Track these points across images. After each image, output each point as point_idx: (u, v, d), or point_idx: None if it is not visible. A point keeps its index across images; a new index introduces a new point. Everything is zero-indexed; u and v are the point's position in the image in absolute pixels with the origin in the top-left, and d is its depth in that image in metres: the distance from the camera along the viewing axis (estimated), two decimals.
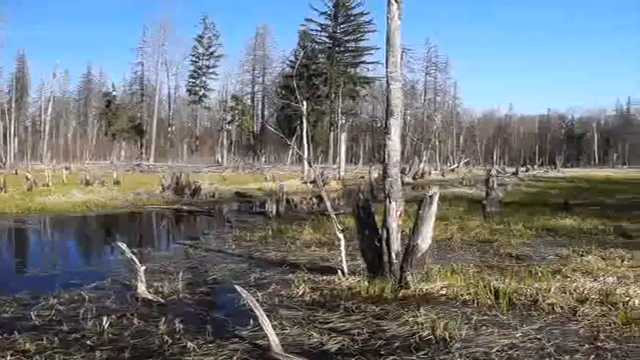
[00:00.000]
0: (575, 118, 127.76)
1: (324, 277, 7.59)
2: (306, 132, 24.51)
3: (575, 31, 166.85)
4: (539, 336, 5.26)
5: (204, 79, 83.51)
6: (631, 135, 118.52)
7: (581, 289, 6.72)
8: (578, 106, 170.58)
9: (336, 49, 78.46)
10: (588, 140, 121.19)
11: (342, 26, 78.53)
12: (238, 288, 5.28)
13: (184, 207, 18.15)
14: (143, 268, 6.88)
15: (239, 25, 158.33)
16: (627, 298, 6.27)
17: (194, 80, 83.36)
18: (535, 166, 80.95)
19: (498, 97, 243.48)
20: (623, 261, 8.79)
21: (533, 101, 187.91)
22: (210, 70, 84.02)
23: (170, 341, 5.07)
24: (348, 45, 79.95)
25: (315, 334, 5.29)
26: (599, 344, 5.07)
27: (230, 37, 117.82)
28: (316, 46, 77.59)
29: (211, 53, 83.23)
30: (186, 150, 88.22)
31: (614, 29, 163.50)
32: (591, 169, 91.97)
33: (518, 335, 5.28)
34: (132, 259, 6.96)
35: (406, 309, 6.12)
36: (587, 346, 5.02)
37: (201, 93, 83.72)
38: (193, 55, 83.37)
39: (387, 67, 7.18)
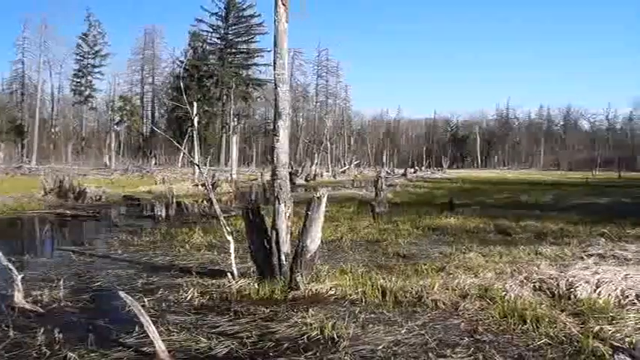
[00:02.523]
0: (460, 121, 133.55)
1: (214, 281, 7.51)
2: (197, 134, 24.09)
3: (458, 36, 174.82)
4: (422, 331, 5.45)
5: (89, 78, 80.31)
6: (510, 137, 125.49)
7: (463, 285, 7.02)
8: (462, 109, 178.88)
9: (228, 50, 77.80)
10: (472, 143, 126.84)
11: (233, 27, 77.96)
12: (122, 294, 5.13)
13: (68, 211, 17.36)
14: (20, 276, 6.51)
15: (127, 24, 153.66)
16: (504, 293, 6.62)
17: (79, 80, 80.00)
18: (423, 168, 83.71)
19: (387, 100, 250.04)
20: (501, 257, 9.22)
21: (421, 105, 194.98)
22: (96, 70, 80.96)
23: (49, 353, 4.83)
24: (239, 46, 79.47)
25: (203, 338, 5.21)
26: (478, 337, 5.32)
27: (118, 35, 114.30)
28: (207, 47, 76.64)
29: (97, 52, 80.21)
30: (71, 152, 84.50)
31: (495, 36, 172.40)
32: (475, 170, 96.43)
33: (403, 332, 5.44)
34: (8, 267, 6.58)
35: (296, 310, 6.16)
36: (466, 339, 5.25)
37: (86, 93, 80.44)
38: (78, 54, 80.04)
39: (274, 70, 7.21)
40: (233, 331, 5.52)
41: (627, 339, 5.04)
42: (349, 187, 33.02)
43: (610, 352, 4.69)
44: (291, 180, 34.35)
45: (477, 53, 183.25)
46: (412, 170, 68.62)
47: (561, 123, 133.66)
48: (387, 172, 56.10)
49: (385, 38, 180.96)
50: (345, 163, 70.90)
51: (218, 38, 78.26)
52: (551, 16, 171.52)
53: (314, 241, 7.08)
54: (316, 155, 61.64)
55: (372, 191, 21.25)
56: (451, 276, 7.61)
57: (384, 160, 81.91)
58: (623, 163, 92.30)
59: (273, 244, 7.15)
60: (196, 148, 17.29)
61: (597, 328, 5.37)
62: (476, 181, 47.69)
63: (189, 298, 6.74)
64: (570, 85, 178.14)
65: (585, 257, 8.98)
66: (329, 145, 72.99)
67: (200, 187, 29.01)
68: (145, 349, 4.92)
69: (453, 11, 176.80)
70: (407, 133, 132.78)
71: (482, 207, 19.69)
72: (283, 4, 7.09)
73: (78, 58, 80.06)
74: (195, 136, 19.00)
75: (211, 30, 77.52)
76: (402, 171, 62.11)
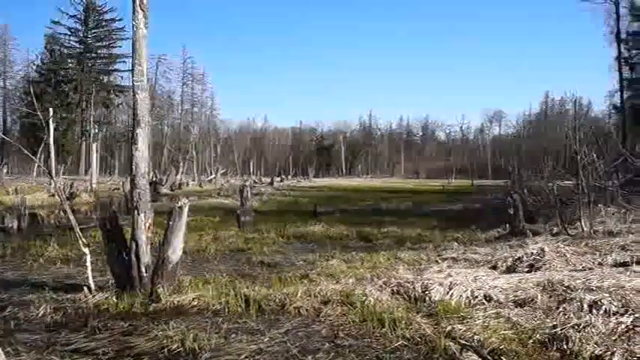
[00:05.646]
0: (325, 131, 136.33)
1: (69, 296, 7.12)
2: (53, 142, 22.89)
3: (322, 44, 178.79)
4: (285, 339, 5.47)
5: None
6: (372, 147, 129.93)
7: (325, 291, 7.11)
8: (327, 119, 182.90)
9: (87, 54, 74.57)
10: (336, 152, 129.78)
11: (93, 31, 74.79)
12: None
13: None
14: None
15: None
16: (364, 298, 6.78)
17: None
18: (289, 176, 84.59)
19: (254, 109, 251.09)
20: (362, 263, 9.49)
21: (287, 114, 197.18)
22: None
23: None
24: (100, 51, 76.41)
25: (55, 357, 4.93)
26: (338, 342, 5.42)
27: None
28: (65, 51, 73.02)
29: None
30: None
31: (356, 48, 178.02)
32: (339, 178, 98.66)
33: (266, 340, 5.43)
34: None
35: (156, 323, 5.98)
36: (328, 344, 5.34)
37: None
38: None
39: (133, 76, 7.01)
40: (89, 347, 5.27)
41: (476, 337, 5.34)
42: (216, 196, 32.74)
43: (459, 350, 4.97)
44: (155, 189, 33.34)
45: (339, 61, 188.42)
46: (279, 179, 69.06)
47: (420, 133, 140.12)
48: (254, 180, 56.19)
49: (250, 46, 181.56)
50: (211, 172, 70.15)
51: (77, 42, 74.82)
52: (405, 29, 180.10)
53: (175, 251, 6.95)
54: (182, 164, 60.53)
55: (238, 200, 21.18)
56: (314, 283, 7.70)
57: (251, 168, 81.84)
58: (476, 172, 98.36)
59: (133, 256, 6.93)
60: (52, 156, 16.45)
61: (449, 327, 5.64)
62: (340, 189, 48.93)
63: (41, 314, 6.35)
64: (427, 96, 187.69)
65: (440, 261, 9.47)
66: (195, 153, 71.94)
67: (57, 197, 27.58)
68: None
69: (315, 21, 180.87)
70: (274, 142, 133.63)
71: (345, 214, 20.23)
72: (142, 10, 6.90)
73: None
74: (51, 144, 18.05)
75: (70, 33, 73.99)
76: (269, 180, 62.34)
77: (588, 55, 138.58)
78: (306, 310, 6.49)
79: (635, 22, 34.81)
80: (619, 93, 35.14)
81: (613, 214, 14.33)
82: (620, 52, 34.10)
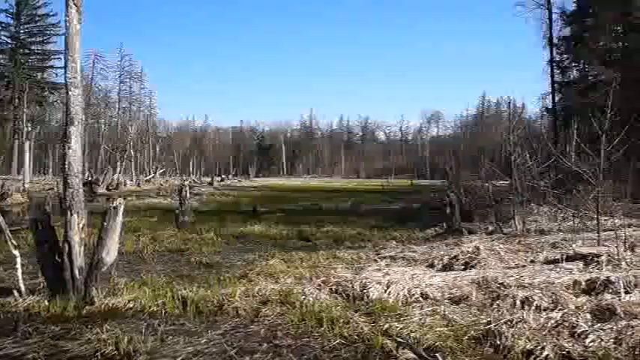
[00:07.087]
0: (265, 130, 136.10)
1: None
2: None
3: (262, 45, 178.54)
4: (223, 340, 5.42)
5: None
6: (313, 147, 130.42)
7: (264, 291, 7.09)
8: (268, 119, 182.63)
9: (20, 50, 72.14)
10: (277, 151, 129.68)
11: (26, 26, 72.43)
12: None
13: None
14: None
15: None
16: (303, 297, 6.80)
17: None
18: (230, 176, 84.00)
19: (194, 108, 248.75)
20: (302, 262, 9.49)
21: (228, 114, 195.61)
22: None
23: None
24: (33, 47, 74.01)
25: None
26: (277, 342, 5.41)
27: None
28: None
29: None
30: None
31: (297, 49, 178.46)
32: (281, 178, 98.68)
33: (203, 341, 5.38)
34: None
35: (90, 326, 5.82)
36: (266, 345, 5.31)
37: None
38: None
39: (65, 73, 6.81)
40: (18, 353, 5.10)
41: (412, 334, 5.42)
42: (154, 196, 32.23)
43: (395, 347, 5.03)
44: (92, 189, 32.49)
45: (281, 61, 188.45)
46: (219, 179, 68.52)
47: (360, 134, 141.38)
48: (193, 180, 55.53)
49: (190, 47, 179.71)
50: (150, 172, 69.00)
51: (8, 37, 72.28)
52: (345, 32, 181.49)
53: (110, 252, 6.79)
54: (119, 163, 59.21)
55: (177, 200, 20.91)
56: (253, 283, 7.67)
57: (191, 168, 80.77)
58: (415, 171, 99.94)
59: (65, 258, 6.73)
60: None
61: (386, 325, 5.70)
62: (281, 188, 48.90)
63: None
64: (367, 99, 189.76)
65: (378, 260, 9.58)
66: (133, 153, 70.54)
67: None
68: None
69: (256, 23, 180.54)
70: (214, 141, 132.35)
71: (285, 214, 20.22)
72: (75, 5, 6.71)
73: None
74: None
75: (0, 28, 71.43)
76: (209, 179, 61.74)
77: (524, 58, 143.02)
78: (245, 310, 6.45)
79: (566, 28, 35.90)
80: (551, 95, 36.17)
81: (545, 213, 14.79)
82: (552, 56, 35.09)
